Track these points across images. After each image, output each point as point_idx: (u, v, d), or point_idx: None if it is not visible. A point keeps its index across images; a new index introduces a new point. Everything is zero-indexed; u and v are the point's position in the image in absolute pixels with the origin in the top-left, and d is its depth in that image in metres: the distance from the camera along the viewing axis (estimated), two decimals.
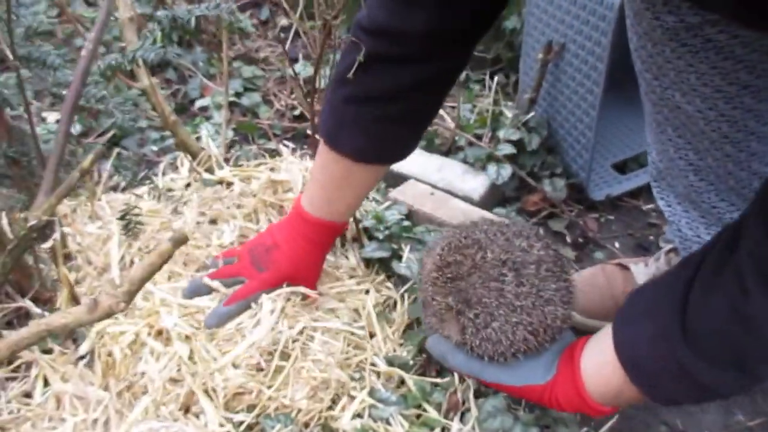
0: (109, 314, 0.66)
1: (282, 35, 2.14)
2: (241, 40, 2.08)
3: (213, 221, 1.28)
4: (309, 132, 1.63)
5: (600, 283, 1.18)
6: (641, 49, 0.92)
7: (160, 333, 1.03)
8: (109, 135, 1.71)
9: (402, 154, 1.03)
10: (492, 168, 1.37)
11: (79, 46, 1.98)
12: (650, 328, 0.74)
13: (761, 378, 0.70)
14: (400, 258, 1.18)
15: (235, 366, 0.97)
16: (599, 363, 0.82)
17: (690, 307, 0.69)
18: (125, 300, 0.66)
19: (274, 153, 1.53)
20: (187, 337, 1.01)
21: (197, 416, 0.94)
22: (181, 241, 0.67)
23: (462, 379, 1.06)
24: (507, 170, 1.37)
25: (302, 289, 1.07)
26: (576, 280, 1.17)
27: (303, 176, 1.31)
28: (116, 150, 1.60)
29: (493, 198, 1.41)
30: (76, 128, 1.67)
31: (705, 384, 0.70)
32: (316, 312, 1.09)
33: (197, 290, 1.08)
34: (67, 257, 1.17)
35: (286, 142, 1.66)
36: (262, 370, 0.97)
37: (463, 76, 1.50)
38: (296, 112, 1.78)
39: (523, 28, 1.52)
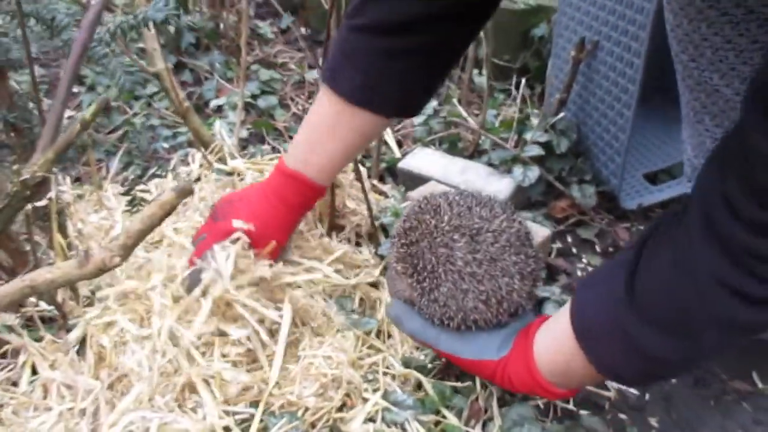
0: (102, 270, 0.59)
1: (302, 43, 2.11)
2: (260, 46, 2.04)
3: None
4: None
5: None
6: (677, 29, 0.86)
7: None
8: (120, 131, 1.66)
9: (399, 105, 0.94)
10: (518, 170, 1.30)
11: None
12: (602, 292, 0.73)
13: (707, 348, 0.67)
14: None
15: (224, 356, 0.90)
16: (552, 336, 0.80)
17: (639, 267, 0.68)
18: (120, 254, 0.59)
19: None
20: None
21: (194, 410, 0.86)
22: (185, 192, 0.60)
23: (485, 386, 0.98)
24: (534, 172, 1.30)
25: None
26: None
27: None
28: (125, 145, 1.54)
29: (519, 201, 1.33)
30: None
31: (647, 351, 0.68)
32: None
33: (193, 278, 0.98)
34: (68, 248, 1.11)
35: None
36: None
37: (487, 85, 1.44)
38: None
39: (552, 33, 1.47)
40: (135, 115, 1.71)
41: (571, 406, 0.98)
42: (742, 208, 0.57)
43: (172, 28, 1.90)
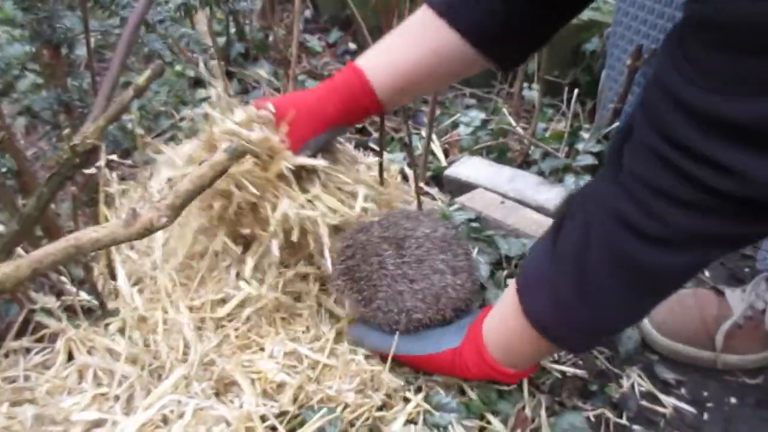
0: (149, 230, 0.57)
1: (348, 57, 2.12)
2: (307, 58, 2.05)
3: None
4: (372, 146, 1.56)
5: (689, 304, 1.05)
6: None
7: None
8: (167, 135, 1.67)
9: (487, 37, 0.86)
10: (570, 179, 1.26)
11: None
12: (539, 249, 0.76)
13: (611, 298, 0.69)
14: None
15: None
16: (498, 314, 0.83)
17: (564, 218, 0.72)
18: (167, 215, 0.57)
19: None
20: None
21: (231, 402, 0.83)
22: (238, 153, 0.58)
23: (532, 394, 0.93)
24: (586, 181, 1.25)
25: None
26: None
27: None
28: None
29: None
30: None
31: (562, 300, 0.71)
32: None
33: None
34: None
35: None
36: None
37: (537, 99, 1.41)
38: (358, 125, 1.72)
39: (606, 46, 1.44)
40: (182, 119, 1.71)
41: (624, 421, 0.93)
42: (645, 135, 0.59)
43: (222, 39, 1.92)
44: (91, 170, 0.70)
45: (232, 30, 1.96)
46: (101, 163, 0.71)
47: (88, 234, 0.57)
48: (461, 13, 0.84)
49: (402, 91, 0.92)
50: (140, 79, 0.68)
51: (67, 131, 0.65)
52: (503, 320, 0.82)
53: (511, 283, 0.80)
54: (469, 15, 0.84)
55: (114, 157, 0.76)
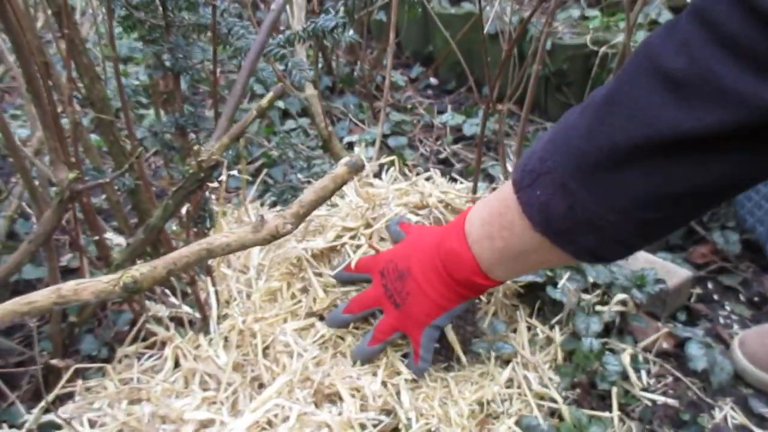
0: (274, 236, 0.61)
1: (429, 92, 2.18)
2: (391, 92, 2.11)
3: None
4: (454, 176, 1.59)
5: None
6: None
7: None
8: (258, 163, 1.75)
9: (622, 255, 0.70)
10: None
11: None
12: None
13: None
14: (555, 285, 1.08)
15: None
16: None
17: None
18: (292, 222, 0.61)
19: None
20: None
21: (330, 411, 0.86)
22: (357, 167, 0.63)
23: (622, 420, 0.93)
24: None
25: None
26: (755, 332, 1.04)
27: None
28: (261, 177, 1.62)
29: (656, 244, 1.29)
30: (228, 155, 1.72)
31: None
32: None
33: (337, 323, 0.97)
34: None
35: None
36: None
37: None
38: (441, 156, 1.76)
39: None
40: (272, 148, 1.80)
41: None
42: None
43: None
44: (214, 184, 0.76)
45: (320, 64, 2.05)
46: (223, 177, 0.77)
47: (219, 239, 0.62)
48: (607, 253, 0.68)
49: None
50: (263, 101, 0.73)
51: (196, 147, 0.71)
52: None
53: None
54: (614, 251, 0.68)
55: (235, 172, 0.82)
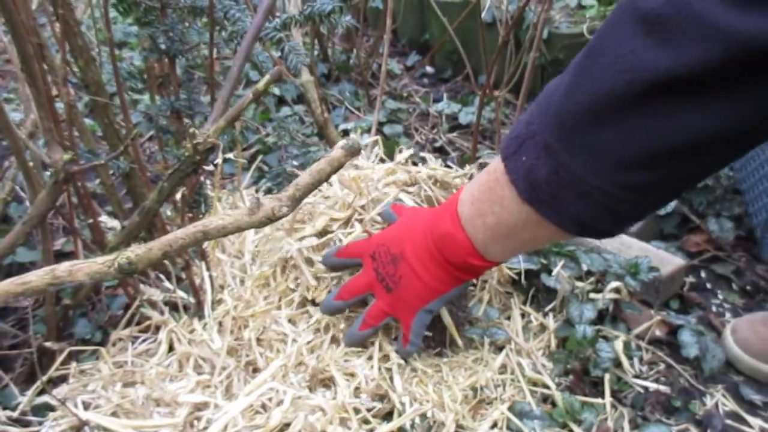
0: (270, 219, 0.61)
1: (425, 80, 2.17)
2: (387, 80, 2.11)
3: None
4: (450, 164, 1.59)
5: None
6: None
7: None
8: (253, 150, 1.75)
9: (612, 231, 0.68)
10: None
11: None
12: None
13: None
14: (549, 272, 1.09)
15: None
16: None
17: None
18: (288, 205, 0.61)
19: None
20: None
21: (324, 396, 0.87)
22: (354, 150, 0.62)
23: (614, 407, 0.94)
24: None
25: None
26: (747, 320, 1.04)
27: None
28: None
29: (650, 232, 1.29)
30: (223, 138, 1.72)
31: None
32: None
33: (331, 310, 0.96)
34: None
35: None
36: None
37: None
38: (437, 144, 1.76)
39: None
40: (267, 135, 1.79)
41: None
42: None
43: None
44: (210, 167, 0.76)
45: (317, 52, 2.04)
46: (219, 160, 0.77)
47: (215, 221, 0.62)
48: (599, 227, 0.67)
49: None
50: (259, 84, 0.73)
51: (192, 130, 0.71)
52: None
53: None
54: (606, 225, 0.66)
55: (231, 155, 0.82)
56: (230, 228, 0.63)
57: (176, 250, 0.64)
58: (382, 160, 1.25)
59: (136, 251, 0.64)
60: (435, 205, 1.08)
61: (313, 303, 1.00)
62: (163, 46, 0.97)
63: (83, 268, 0.63)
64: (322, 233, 1.05)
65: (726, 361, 1.04)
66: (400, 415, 0.83)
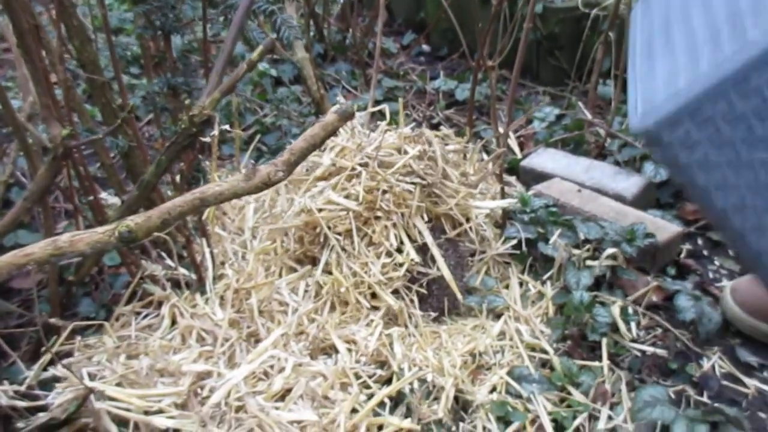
0: (266, 184, 0.62)
1: (422, 58, 2.17)
2: (384, 59, 2.11)
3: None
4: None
5: None
6: None
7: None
8: (251, 131, 1.75)
9: None
10: (649, 167, 1.27)
11: None
12: None
13: None
14: (546, 241, 1.10)
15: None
16: None
17: None
18: (284, 170, 0.62)
19: None
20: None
21: (325, 363, 0.88)
22: (347, 115, 0.63)
23: (611, 370, 0.95)
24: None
25: None
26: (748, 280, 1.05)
27: None
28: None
29: (647, 200, 1.30)
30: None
31: None
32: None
33: None
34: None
35: None
36: None
37: (614, 94, 1.42)
38: (434, 121, 1.76)
39: None
40: (265, 116, 1.80)
41: (705, 399, 0.94)
42: None
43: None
44: (206, 138, 0.77)
45: (312, 32, 2.04)
46: (215, 132, 0.78)
47: (212, 188, 0.63)
48: None
49: None
50: (253, 55, 0.74)
51: (187, 102, 0.72)
52: None
53: None
54: None
55: (227, 127, 0.82)
56: (227, 194, 0.63)
57: (175, 218, 0.65)
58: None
59: (135, 220, 0.65)
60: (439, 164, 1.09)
61: (313, 263, 1.01)
62: (157, 23, 0.98)
63: (84, 238, 0.64)
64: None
65: (723, 322, 1.05)
66: (399, 379, 0.84)
